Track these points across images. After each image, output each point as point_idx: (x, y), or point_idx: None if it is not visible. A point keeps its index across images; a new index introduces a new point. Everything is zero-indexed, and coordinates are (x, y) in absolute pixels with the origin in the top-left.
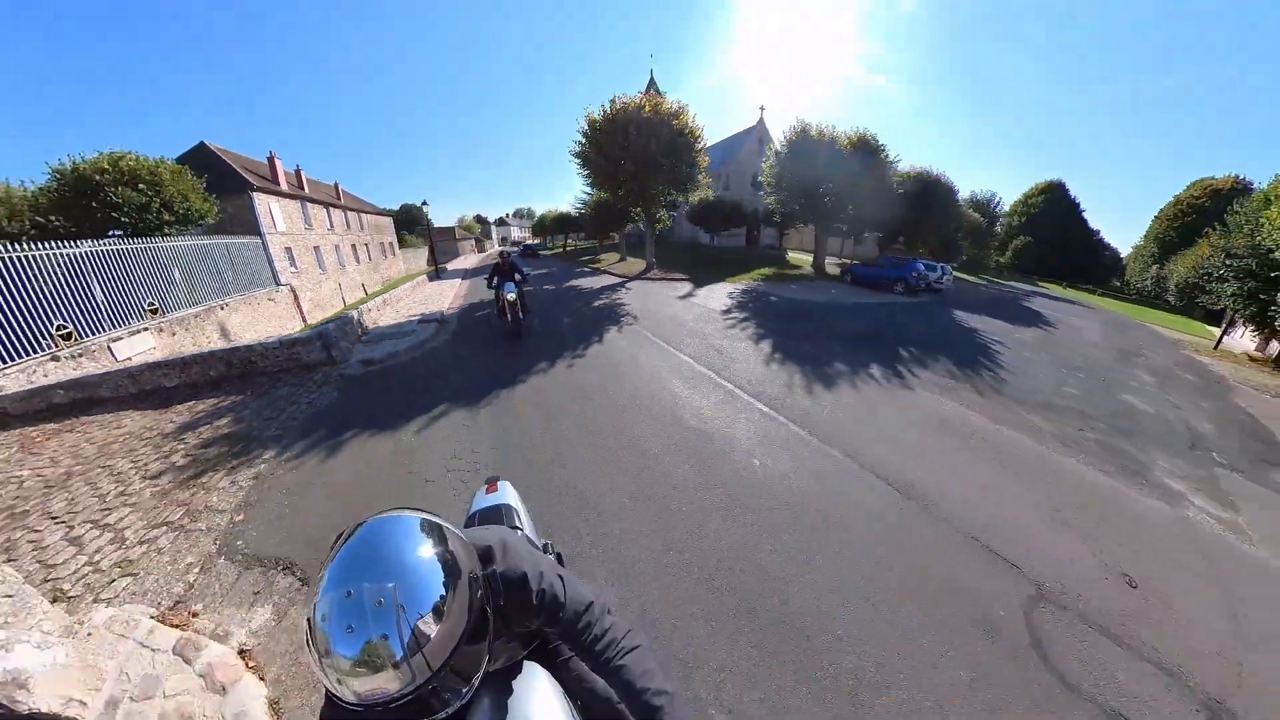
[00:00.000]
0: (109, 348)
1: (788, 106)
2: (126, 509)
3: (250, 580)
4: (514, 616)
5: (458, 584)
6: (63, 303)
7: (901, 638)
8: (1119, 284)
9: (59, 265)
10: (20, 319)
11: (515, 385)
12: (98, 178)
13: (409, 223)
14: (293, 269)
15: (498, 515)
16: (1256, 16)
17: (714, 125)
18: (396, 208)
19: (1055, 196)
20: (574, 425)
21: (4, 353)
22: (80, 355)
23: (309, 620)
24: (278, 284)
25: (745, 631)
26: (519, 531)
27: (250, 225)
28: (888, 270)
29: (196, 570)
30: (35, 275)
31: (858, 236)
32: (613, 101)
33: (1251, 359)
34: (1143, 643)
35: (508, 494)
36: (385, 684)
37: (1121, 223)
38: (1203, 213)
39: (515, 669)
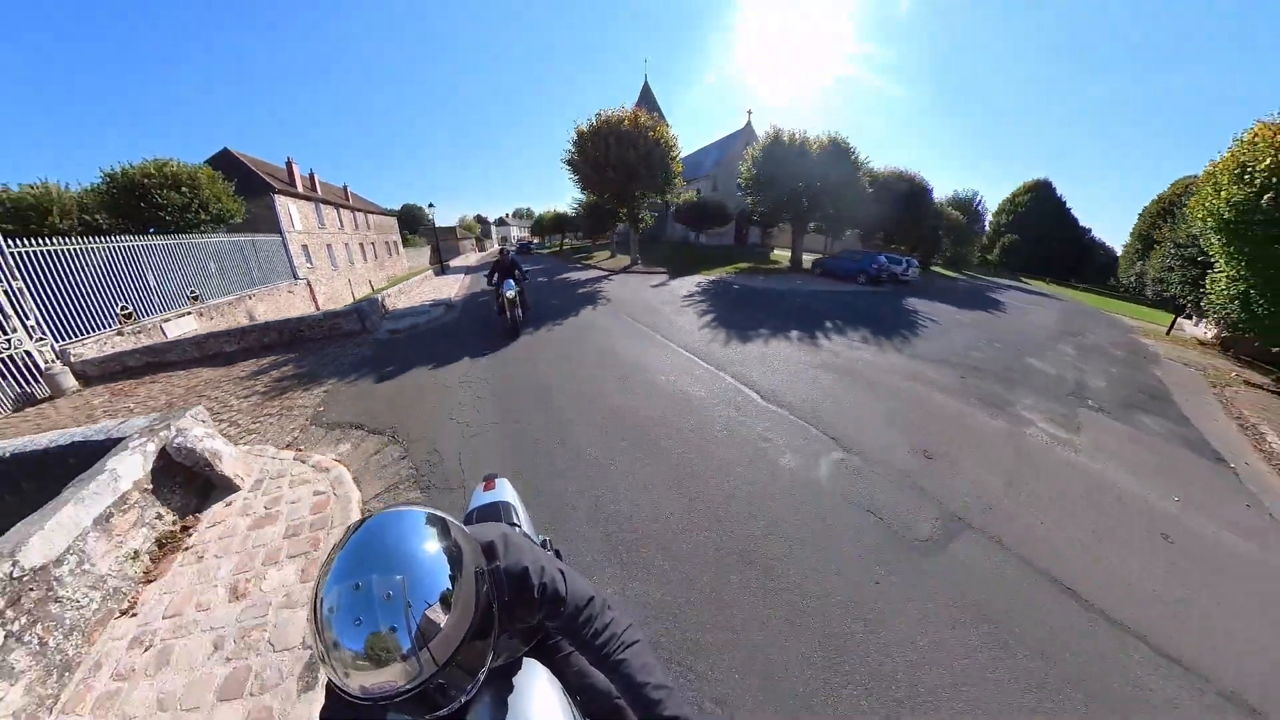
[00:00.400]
0: (161, 327)
1: (786, 104)
2: (234, 412)
3: (333, 434)
4: (516, 612)
5: (463, 577)
6: (125, 288)
7: (724, 457)
8: (1115, 282)
9: (122, 256)
10: (93, 300)
11: (509, 344)
12: (145, 181)
13: (410, 223)
14: (308, 265)
15: (496, 513)
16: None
17: (713, 122)
18: (398, 208)
19: (1042, 195)
20: (548, 363)
21: (82, 326)
22: (139, 332)
23: (314, 613)
24: (295, 278)
25: (625, 441)
26: (518, 529)
27: (271, 224)
28: (851, 263)
29: (297, 431)
30: (104, 264)
31: (836, 234)
32: (599, 115)
33: (1201, 343)
34: (913, 484)
35: (506, 492)
36: (393, 678)
37: (1123, 222)
38: (1183, 209)
39: (515, 666)
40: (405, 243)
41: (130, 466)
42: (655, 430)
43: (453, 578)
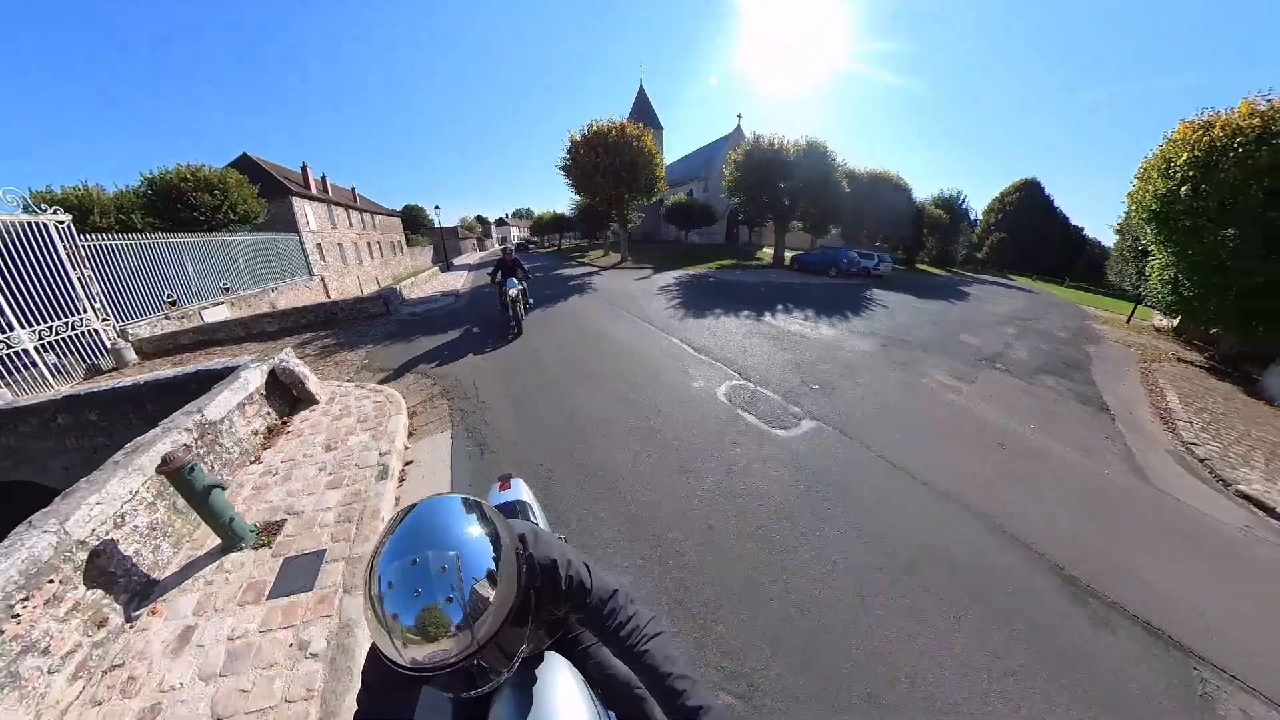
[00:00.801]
0: (200, 313)
1: (790, 103)
2: None
3: (379, 375)
4: (544, 603)
5: (504, 558)
6: (170, 278)
7: (655, 385)
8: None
9: (167, 251)
10: (146, 287)
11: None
12: (181, 184)
13: (412, 223)
14: (322, 262)
15: (513, 512)
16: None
17: (716, 120)
18: (400, 208)
19: (1030, 194)
20: (539, 333)
21: (136, 310)
22: (182, 318)
23: (369, 590)
24: (311, 274)
25: (591, 381)
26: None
27: (287, 224)
28: (824, 258)
29: (352, 373)
30: (152, 257)
31: (821, 232)
32: (590, 125)
33: (1159, 330)
34: (793, 401)
35: (522, 491)
36: (445, 647)
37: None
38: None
39: (537, 659)
40: (408, 242)
41: (255, 377)
42: (611, 371)
43: (495, 557)
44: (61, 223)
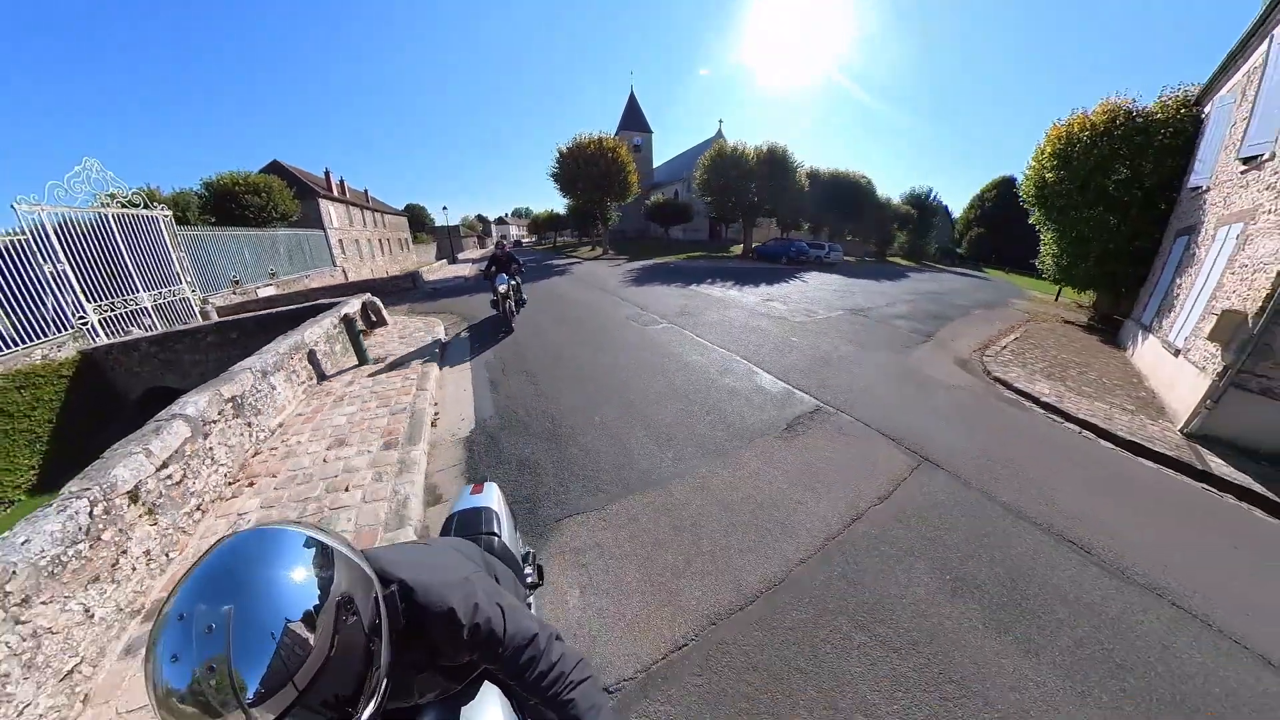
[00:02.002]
0: (255, 291)
1: (783, 100)
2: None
3: (420, 315)
4: (442, 650)
5: (321, 607)
6: (233, 263)
7: (603, 321)
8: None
9: (233, 242)
10: (215, 269)
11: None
12: (235, 188)
13: (414, 222)
14: (342, 255)
15: (476, 519)
16: None
17: (708, 119)
18: (402, 207)
19: (1007, 191)
20: (534, 303)
21: (213, 284)
22: (243, 295)
23: (146, 648)
24: (334, 265)
25: (565, 325)
26: (495, 538)
27: (314, 223)
28: (777, 248)
29: (402, 317)
30: (223, 246)
31: (793, 226)
32: (575, 139)
33: (1079, 306)
34: (670, 321)
35: (493, 497)
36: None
37: None
38: None
39: (468, 694)
40: (413, 240)
41: (353, 305)
42: (577, 316)
43: (304, 608)
44: (167, 216)
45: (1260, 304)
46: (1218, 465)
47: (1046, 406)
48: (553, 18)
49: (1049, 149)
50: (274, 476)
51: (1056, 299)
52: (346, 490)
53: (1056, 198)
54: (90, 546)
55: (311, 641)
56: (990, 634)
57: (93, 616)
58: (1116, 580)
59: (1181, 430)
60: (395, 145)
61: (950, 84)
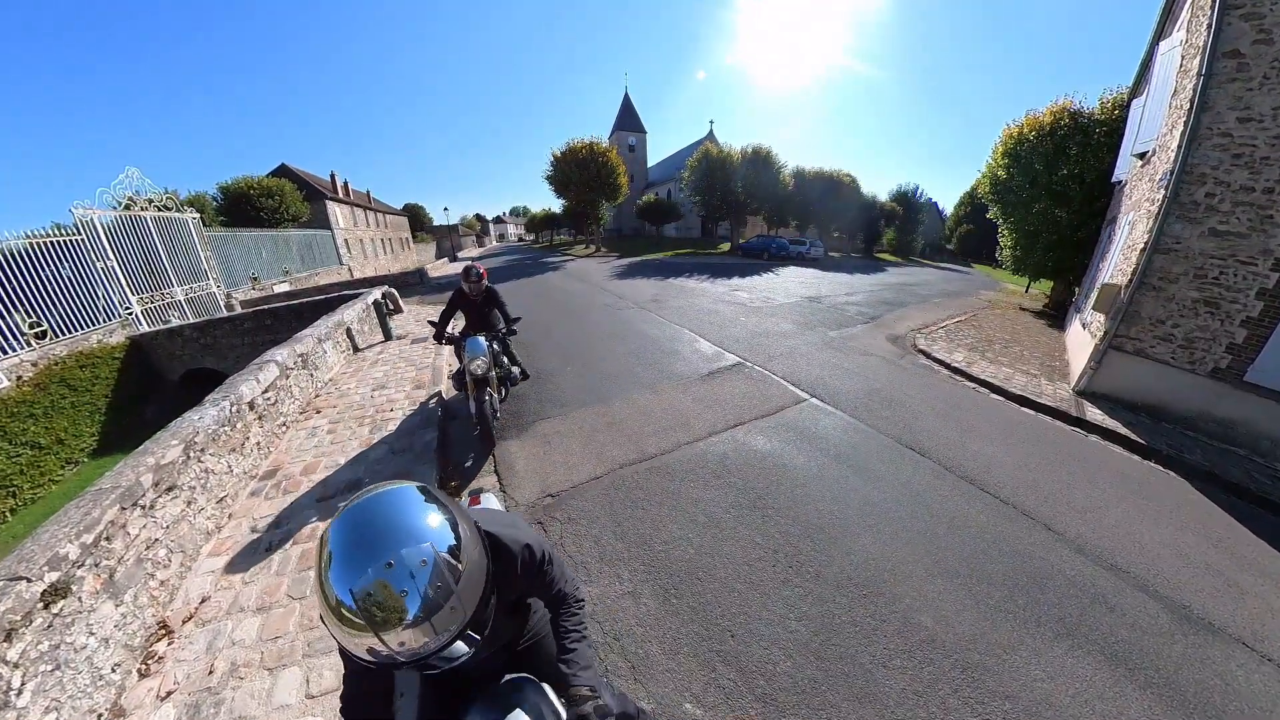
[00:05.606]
0: (273, 287)
1: (778, 99)
2: None
3: (431, 307)
4: (511, 582)
5: (458, 545)
6: (252, 261)
7: (586, 306)
8: None
9: (251, 242)
10: (236, 267)
11: (502, 286)
12: (250, 191)
13: (413, 221)
14: (348, 254)
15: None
16: None
17: (704, 114)
18: (400, 207)
19: None
20: (528, 293)
21: (235, 280)
22: (261, 290)
23: (328, 599)
24: (341, 264)
25: (554, 310)
26: None
27: (322, 223)
28: (760, 244)
29: (414, 306)
30: (243, 245)
31: (782, 224)
32: (567, 144)
33: (1045, 295)
34: (643, 309)
35: (492, 507)
36: (417, 640)
37: None
38: None
39: (507, 706)
40: (414, 239)
41: (377, 293)
42: (564, 303)
43: (456, 546)
44: (196, 217)
45: (1128, 276)
46: (1094, 415)
47: (954, 370)
48: (551, 18)
49: (1002, 148)
50: (334, 408)
51: (1027, 290)
52: (391, 411)
53: (1009, 194)
54: (230, 429)
55: (460, 568)
56: (816, 476)
57: (231, 471)
58: (963, 483)
59: (1073, 389)
60: (395, 145)
61: (948, 73)
